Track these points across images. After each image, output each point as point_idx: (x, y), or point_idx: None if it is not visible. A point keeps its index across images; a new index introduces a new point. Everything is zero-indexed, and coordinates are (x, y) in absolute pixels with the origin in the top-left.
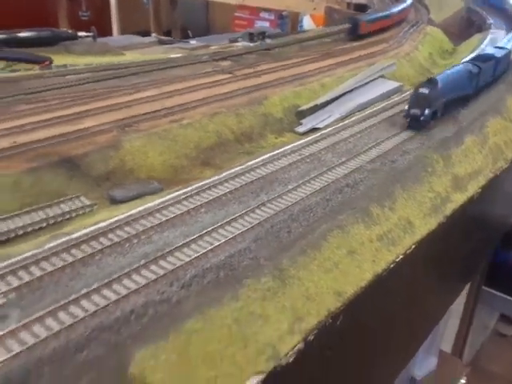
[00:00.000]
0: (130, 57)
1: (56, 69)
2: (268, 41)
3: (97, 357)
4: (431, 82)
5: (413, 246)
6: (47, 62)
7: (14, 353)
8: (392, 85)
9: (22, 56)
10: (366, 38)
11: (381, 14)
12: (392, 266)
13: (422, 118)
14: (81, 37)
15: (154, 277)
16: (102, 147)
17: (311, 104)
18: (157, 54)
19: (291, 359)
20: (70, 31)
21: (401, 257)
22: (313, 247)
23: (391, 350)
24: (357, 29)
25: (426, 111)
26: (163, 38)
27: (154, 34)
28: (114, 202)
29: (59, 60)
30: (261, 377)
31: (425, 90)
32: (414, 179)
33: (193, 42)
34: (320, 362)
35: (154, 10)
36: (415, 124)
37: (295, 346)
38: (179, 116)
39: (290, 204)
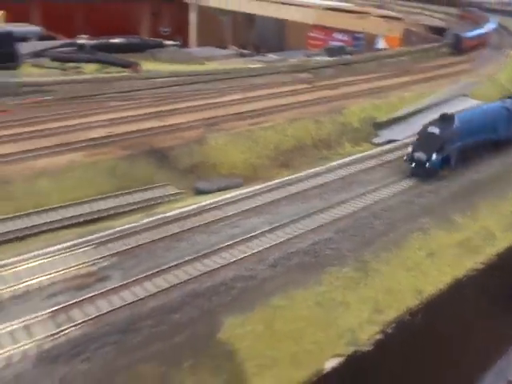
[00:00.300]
0: (210, 66)
1: (144, 72)
2: (347, 56)
3: (190, 318)
4: (445, 120)
5: (493, 257)
6: (136, 66)
7: (116, 307)
8: (472, 103)
9: (114, 60)
10: (458, 55)
11: (478, 33)
12: (472, 273)
13: (427, 165)
14: (167, 45)
15: (241, 255)
16: (188, 142)
17: (390, 116)
18: (237, 64)
19: (371, 347)
20: (157, 40)
21: (481, 265)
22: (395, 245)
23: (466, 358)
24: (460, 43)
25: (434, 156)
26: (243, 51)
27: (233, 47)
28: (199, 192)
29: (147, 65)
30: (340, 359)
31: (435, 129)
32: (498, 192)
33: (271, 55)
34: (400, 357)
35: (232, 27)
36: (419, 171)
37: (375, 335)
38: (260, 119)
39: (371, 203)
